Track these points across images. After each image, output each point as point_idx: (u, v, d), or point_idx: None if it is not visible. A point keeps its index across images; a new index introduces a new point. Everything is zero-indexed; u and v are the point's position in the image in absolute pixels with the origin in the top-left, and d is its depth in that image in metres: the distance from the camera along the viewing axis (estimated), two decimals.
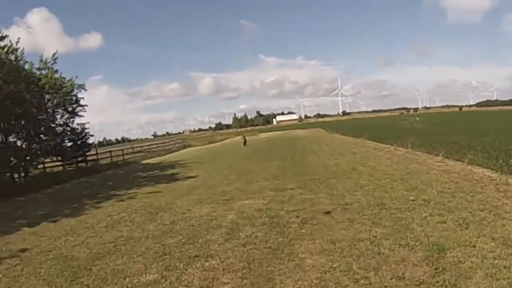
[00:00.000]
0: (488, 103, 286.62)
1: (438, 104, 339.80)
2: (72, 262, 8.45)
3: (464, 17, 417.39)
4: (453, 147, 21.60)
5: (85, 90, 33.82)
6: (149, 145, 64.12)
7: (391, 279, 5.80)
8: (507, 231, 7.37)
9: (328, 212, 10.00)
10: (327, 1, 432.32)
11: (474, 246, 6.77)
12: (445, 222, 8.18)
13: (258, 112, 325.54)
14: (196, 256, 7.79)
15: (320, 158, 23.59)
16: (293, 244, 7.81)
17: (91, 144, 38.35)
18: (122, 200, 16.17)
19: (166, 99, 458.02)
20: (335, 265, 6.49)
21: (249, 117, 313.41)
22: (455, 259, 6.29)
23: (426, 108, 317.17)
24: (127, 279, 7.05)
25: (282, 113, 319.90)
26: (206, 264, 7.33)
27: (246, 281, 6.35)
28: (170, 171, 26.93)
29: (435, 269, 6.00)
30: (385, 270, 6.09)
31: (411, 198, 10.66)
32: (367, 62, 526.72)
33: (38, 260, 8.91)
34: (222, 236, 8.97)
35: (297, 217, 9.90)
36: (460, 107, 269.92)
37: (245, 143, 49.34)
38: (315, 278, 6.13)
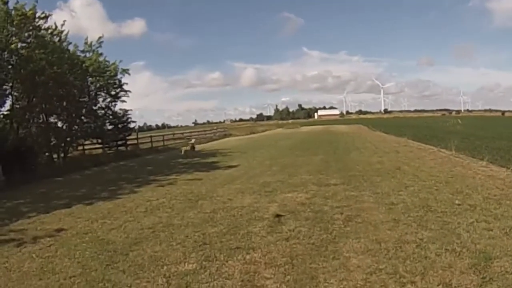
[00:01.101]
0: None
1: (480, 108, 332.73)
2: (108, 246, 8.43)
3: (509, 20, 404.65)
4: (498, 153, 21.06)
5: (129, 74, 34.56)
6: (190, 132, 64.18)
7: (438, 285, 5.62)
8: None
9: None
10: None
11: None
12: (491, 230, 7.90)
13: (299, 105, 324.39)
14: (237, 247, 7.69)
15: (363, 155, 23.27)
16: (337, 241, 7.66)
17: (132, 128, 39.04)
18: (162, 186, 16.19)
19: (207, 88, 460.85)
20: (380, 267, 6.32)
21: (290, 110, 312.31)
22: (502, 269, 6.07)
23: (468, 111, 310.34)
24: (165, 267, 6.98)
25: (324, 108, 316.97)
26: (248, 256, 7.22)
27: (288, 277, 6.21)
28: (210, 159, 26.87)
29: (482, 278, 5.80)
30: (431, 276, 5.91)
31: (457, 202, 10.35)
32: (409, 61, 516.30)
33: (73, 242, 8.93)
34: (264, 229, 8.84)
35: (341, 213, 9.72)
36: (503, 112, 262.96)
37: (193, 148, 35.00)
38: (360, 279, 5.97)
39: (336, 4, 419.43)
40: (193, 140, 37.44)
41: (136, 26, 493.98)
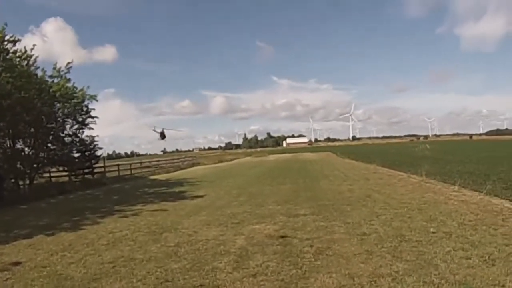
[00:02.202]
0: (498, 132, 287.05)
1: (448, 132, 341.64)
2: (66, 282, 7.95)
3: (478, 45, 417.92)
4: (469, 177, 21.27)
5: (96, 101, 34.42)
6: (158, 160, 64.45)
7: None
8: None
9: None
10: (341, 27, 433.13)
11: (503, 286, 6.32)
12: (470, 258, 7.71)
13: (268, 133, 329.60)
14: (201, 285, 7.26)
15: (333, 183, 23.12)
16: (307, 277, 7.29)
17: (99, 156, 38.58)
18: (126, 217, 15.75)
19: (178, 116, 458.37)
20: None
21: (259, 138, 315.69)
22: None
23: (436, 135, 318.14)
24: None
25: (293, 136, 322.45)
26: None
27: None
28: (177, 189, 26.61)
29: None
30: None
31: (431, 230, 10.19)
32: (380, 88, 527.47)
33: (31, 276, 8.46)
34: (230, 264, 8.42)
35: (311, 246, 9.38)
36: (470, 136, 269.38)
37: None
38: None
39: (307, 33, 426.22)
40: None
41: (107, 53, 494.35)
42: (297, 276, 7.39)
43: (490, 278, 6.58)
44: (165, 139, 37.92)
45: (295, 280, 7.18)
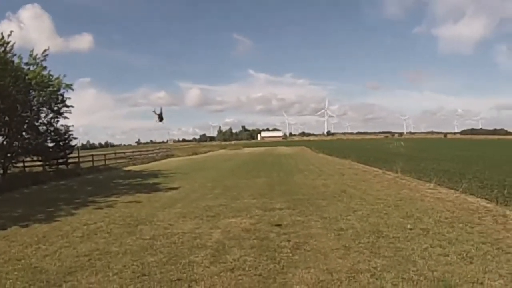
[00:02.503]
0: (472, 131, 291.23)
1: (423, 130, 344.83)
2: (41, 275, 7.76)
3: (455, 46, 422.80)
4: (444, 174, 21.51)
5: (72, 90, 33.67)
6: (133, 151, 63.68)
7: None
8: None
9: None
10: (320, 23, 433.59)
11: (482, 283, 6.41)
12: (447, 255, 7.78)
13: (243, 126, 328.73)
14: (178, 279, 7.16)
15: (308, 178, 23.18)
16: (285, 272, 7.25)
17: (73, 146, 37.89)
18: (100, 208, 15.50)
19: (153, 107, 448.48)
20: None
21: (234, 131, 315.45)
22: None
23: (411, 133, 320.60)
24: None
25: (267, 129, 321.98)
26: None
27: None
28: (152, 181, 26.35)
29: None
30: None
31: (408, 226, 10.29)
32: (356, 85, 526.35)
33: (5, 269, 8.24)
34: (207, 258, 8.34)
35: (288, 241, 9.35)
36: (445, 134, 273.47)
37: None
38: None
39: (285, 28, 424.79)
40: None
41: (83, 41, 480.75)
42: (275, 271, 7.36)
43: (469, 276, 6.64)
44: (163, 121, 37.66)
45: (273, 275, 7.14)
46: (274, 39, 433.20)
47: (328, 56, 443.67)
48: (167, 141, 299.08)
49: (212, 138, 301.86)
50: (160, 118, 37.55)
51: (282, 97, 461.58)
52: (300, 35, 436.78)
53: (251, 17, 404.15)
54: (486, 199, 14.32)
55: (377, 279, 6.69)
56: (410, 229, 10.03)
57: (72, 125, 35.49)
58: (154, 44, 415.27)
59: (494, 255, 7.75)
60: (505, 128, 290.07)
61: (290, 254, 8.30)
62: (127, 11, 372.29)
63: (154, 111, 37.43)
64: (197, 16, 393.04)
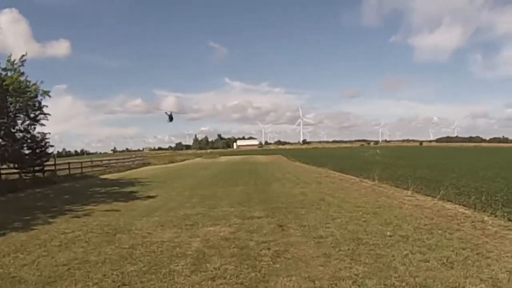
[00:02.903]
0: (448, 139, 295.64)
1: (398, 138, 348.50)
2: (20, 285, 7.63)
3: (431, 55, 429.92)
4: (422, 182, 21.71)
5: (49, 96, 33.29)
6: (109, 159, 63.27)
7: None
8: (494, 272, 7.22)
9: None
10: (296, 31, 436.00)
11: None
12: (428, 261, 7.88)
13: (219, 135, 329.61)
14: None
15: (285, 186, 23.24)
16: (267, 280, 7.24)
17: (50, 153, 37.45)
18: (78, 217, 15.31)
19: (129, 115, 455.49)
20: None
21: (209, 140, 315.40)
22: None
23: (386, 141, 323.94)
24: None
25: (243, 138, 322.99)
26: None
27: None
28: (129, 189, 26.20)
29: None
30: None
31: (388, 233, 10.37)
32: (332, 93, 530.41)
33: None
34: (187, 267, 8.28)
35: (269, 249, 9.35)
36: (421, 142, 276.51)
37: None
38: None
39: (262, 36, 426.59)
40: None
41: (61, 47, 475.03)
42: (256, 279, 7.34)
43: (450, 281, 6.73)
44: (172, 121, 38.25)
45: (254, 283, 7.13)
46: (250, 48, 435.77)
47: (304, 64, 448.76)
48: (143, 149, 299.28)
49: (188, 147, 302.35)
50: (171, 118, 38.03)
51: (258, 106, 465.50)
52: (276, 44, 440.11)
53: (227, 25, 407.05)
54: (463, 205, 14.53)
55: (359, 286, 6.74)
56: (390, 236, 10.12)
57: (49, 133, 35.20)
58: (131, 51, 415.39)
59: (475, 260, 7.88)
60: (480, 136, 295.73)
61: (271, 262, 8.30)
62: (105, 18, 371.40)
63: (165, 113, 38.00)
64: (173, 23, 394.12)
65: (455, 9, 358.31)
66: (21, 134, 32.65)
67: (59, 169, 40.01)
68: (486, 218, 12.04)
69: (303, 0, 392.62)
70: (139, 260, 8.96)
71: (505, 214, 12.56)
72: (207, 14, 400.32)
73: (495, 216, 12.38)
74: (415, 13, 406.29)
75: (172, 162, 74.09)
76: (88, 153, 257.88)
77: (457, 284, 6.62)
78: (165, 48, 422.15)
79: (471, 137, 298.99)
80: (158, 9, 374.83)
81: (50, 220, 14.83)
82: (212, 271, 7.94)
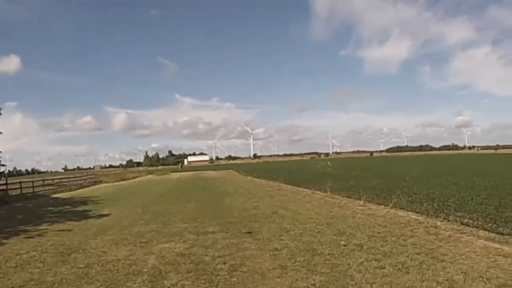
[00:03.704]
0: (398, 148, 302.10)
1: (349, 150, 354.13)
2: None
3: (380, 67, 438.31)
4: (374, 191, 22.07)
5: (0, 114, 32.71)
6: (60, 178, 62.24)
7: None
8: (449, 274, 7.41)
9: None
10: (248, 46, 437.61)
11: None
12: (384, 268, 8.02)
13: (170, 151, 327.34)
14: None
15: (238, 201, 23.20)
16: None
17: (1, 173, 36.84)
18: (32, 237, 14.97)
19: (79, 132, 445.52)
20: None
21: (160, 156, 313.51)
22: None
23: (337, 153, 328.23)
24: None
25: (194, 154, 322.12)
26: None
27: None
28: (82, 208, 25.68)
29: None
30: None
31: (342, 243, 10.49)
32: (282, 107, 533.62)
33: None
34: (144, 284, 8.21)
35: (224, 263, 9.33)
36: (371, 153, 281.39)
37: None
38: None
39: (211, 52, 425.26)
40: None
41: (11, 63, 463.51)
42: None
43: (407, 285, 6.87)
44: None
45: None
46: (200, 63, 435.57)
47: (254, 79, 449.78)
48: (94, 167, 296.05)
49: (139, 164, 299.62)
50: None
51: (208, 121, 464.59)
52: (226, 59, 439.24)
53: (177, 41, 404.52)
54: (416, 212, 14.91)
55: None
56: (344, 245, 10.24)
57: (0, 151, 34.66)
58: (82, 67, 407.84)
59: (430, 264, 8.07)
60: (430, 144, 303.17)
61: (228, 276, 8.28)
62: (55, 34, 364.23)
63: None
64: (124, 40, 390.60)
65: (403, 21, 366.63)
66: None
67: (11, 189, 39.32)
68: (439, 223, 12.36)
69: (252, 15, 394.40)
70: (96, 279, 8.82)
71: (458, 218, 12.98)
72: (157, 30, 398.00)
73: (448, 221, 12.76)
74: (364, 26, 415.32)
75: (124, 180, 73.44)
76: (39, 172, 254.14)
77: (415, 287, 6.75)
78: (116, 65, 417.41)
79: (421, 146, 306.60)
80: (109, 26, 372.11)
81: (4, 241, 14.54)
82: (169, 287, 7.88)
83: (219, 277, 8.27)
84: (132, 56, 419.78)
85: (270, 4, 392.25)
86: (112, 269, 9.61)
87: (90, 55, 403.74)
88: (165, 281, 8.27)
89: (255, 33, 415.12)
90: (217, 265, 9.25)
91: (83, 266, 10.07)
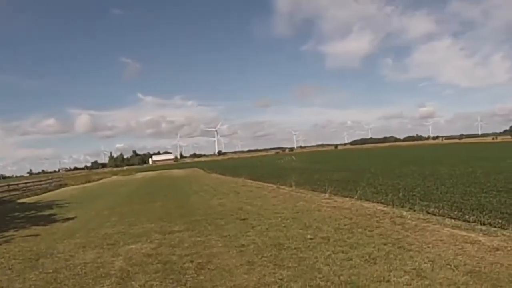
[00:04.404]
0: (362, 141, 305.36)
1: (313, 143, 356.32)
2: None
3: (343, 61, 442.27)
4: (339, 184, 22.23)
5: None
6: (25, 183, 61.07)
7: None
8: (417, 263, 7.50)
9: None
10: (209, 43, 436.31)
11: (388, 281, 6.72)
12: (351, 259, 8.06)
13: (134, 151, 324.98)
14: None
15: (203, 198, 23.11)
16: None
17: None
18: None
19: (43, 135, 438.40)
20: None
21: (125, 156, 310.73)
22: None
23: (301, 147, 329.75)
24: None
25: (158, 153, 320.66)
26: None
27: None
28: (48, 212, 25.09)
29: None
30: None
31: (309, 236, 10.51)
32: (246, 104, 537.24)
33: None
34: (113, 287, 8.13)
35: (192, 262, 9.27)
36: (336, 146, 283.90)
37: None
38: None
39: (172, 49, 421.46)
40: None
41: None
42: None
43: (375, 275, 6.91)
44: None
45: None
46: (162, 62, 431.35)
47: (217, 76, 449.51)
48: (59, 170, 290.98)
49: (103, 165, 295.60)
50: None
51: (171, 120, 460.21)
52: (188, 56, 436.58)
53: (139, 40, 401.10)
54: (382, 203, 15.10)
55: None
56: (311, 238, 10.27)
57: None
58: (43, 70, 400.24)
59: (397, 254, 8.17)
60: (395, 136, 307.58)
61: (195, 275, 8.23)
62: (16, 36, 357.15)
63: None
64: (84, 40, 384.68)
65: (365, 15, 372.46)
66: None
67: None
68: (405, 213, 12.57)
69: (214, 12, 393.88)
70: (64, 284, 8.69)
71: (423, 207, 13.20)
72: (118, 29, 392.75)
73: (414, 211, 12.98)
74: (326, 21, 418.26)
75: (89, 182, 72.17)
76: (4, 177, 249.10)
77: (382, 277, 6.82)
78: (77, 65, 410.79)
79: (385, 138, 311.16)
80: (69, 26, 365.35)
81: None
82: None
83: (187, 276, 8.22)
84: (93, 56, 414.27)
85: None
86: (80, 272, 9.47)
87: (50, 56, 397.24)
88: (133, 283, 8.19)
89: (217, 29, 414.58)
90: (184, 263, 9.19)
91: (51, 271, 9.89)
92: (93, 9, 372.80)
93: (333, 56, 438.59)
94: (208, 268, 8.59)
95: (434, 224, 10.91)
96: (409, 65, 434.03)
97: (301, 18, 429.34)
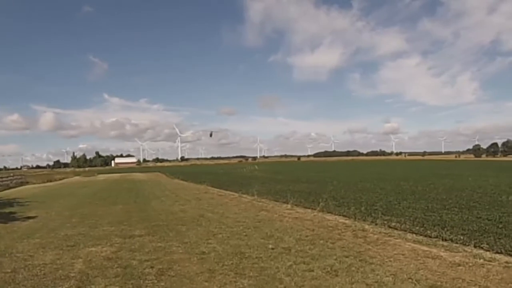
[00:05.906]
0: (326, 153, 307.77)
1: (276, 154, 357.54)
2: None
3: (310, 74, 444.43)
4: (301, 195, 22.28)
5: None
6: None
7: None
8: (379, 276, 7.55)
9: None
10: (176, 48, 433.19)
11: None
12: (312, 270, 8.06)
13: (97, 152, 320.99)
14: None
15: (165, 204, 22.91)
16: None
17: None
18: None
19: (6, 131, 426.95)
20: None
21: (88, 157, 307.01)
22: None
23: (264, 157, 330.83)
24: None
25: (121, 155, 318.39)
26: None
27: None
28: (8, 210, 24.44)
29: None
30: None
31: (270, 246, 10.51)
32: (211, 111, 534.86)
33: None
34: None
35: (152, 267, 9.15)
36: (299, 157, 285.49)
37: None
38: None
39: (141, 52, 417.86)
40: None
41: None
42: None
43: (336, 287, 6.86)
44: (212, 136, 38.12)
45: None
46: (130, 63, 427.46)
47: (183, 82, 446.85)
48: (21, 168, 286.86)
49: (66, 165, 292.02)
50: (211, 135, 37.21)
51: (136, 123, 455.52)
52: (156, 61, 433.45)
53: (107, 39, 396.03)
54: (344, 216, 15.17)
55: None
56: (272, 248, 10.26)
57: None
58: (8, 63, 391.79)
59: (359, 267, 8.21)
60: (358, 150, 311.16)
61: (156, 281, 8.13)
62: None
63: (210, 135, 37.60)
64: (52, 35, 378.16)
65: (336, 30, 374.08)
66: None
67: None
68: (367, 226, 12.67)
69: (185, 18, 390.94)
70: (22, 284, 8.50)
71: (385, 222, 13.32)
72: (87, 28, 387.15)
73: (376, 225, 13.08)
74: (297, 34, 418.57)
75: (51, 181, 70.74)
76: None
77: None
78: (44, 61, 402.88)
79: (348, 151, 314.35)
80: (37, 22, 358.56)
81: None
82: None
83: (147, 282, 8.11)
84: (61, 53, 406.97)
85: (202, 4, 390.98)
86: (39, 273, 9.27)
87: (16, 51, 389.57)
88: (92, 286, 8.05)
89: (187, 36, 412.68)
90: (144, 269, 9.07)
91: (9, 271, 9.66)
92: (64, 5, 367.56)
93: (301, 68, 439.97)
94: (169, 275, 8.49)
95: (396, 239, 11.03)
96: (376, 81, 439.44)
97: (272, 29, 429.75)
